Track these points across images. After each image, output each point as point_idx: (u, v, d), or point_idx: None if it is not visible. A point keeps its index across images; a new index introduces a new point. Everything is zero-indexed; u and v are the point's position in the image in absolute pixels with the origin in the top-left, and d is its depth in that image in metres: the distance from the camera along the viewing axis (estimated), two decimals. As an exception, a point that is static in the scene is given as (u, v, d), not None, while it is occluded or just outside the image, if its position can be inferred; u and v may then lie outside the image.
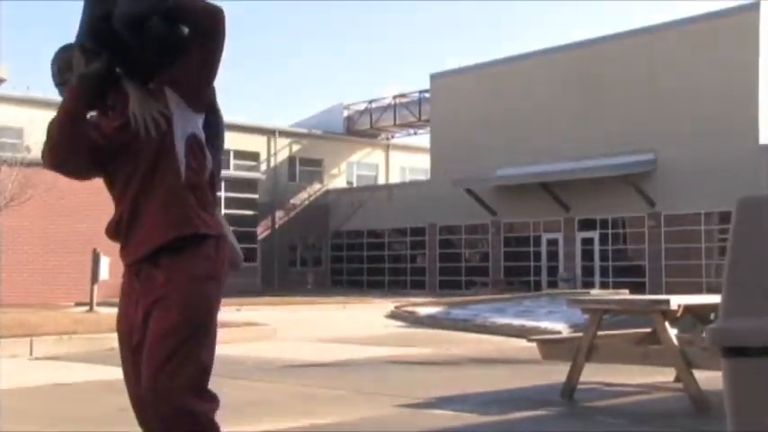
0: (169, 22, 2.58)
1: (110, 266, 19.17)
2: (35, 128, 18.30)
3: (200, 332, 2.57)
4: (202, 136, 2.73)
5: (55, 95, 2.89)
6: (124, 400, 6.34)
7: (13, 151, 16.35)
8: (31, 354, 10.04)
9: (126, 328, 2.71)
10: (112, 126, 2.67)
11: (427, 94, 37.65)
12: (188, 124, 2.66)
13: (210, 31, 2.61)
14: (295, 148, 39.48)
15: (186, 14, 2.58)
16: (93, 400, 6.63)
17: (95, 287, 18.99)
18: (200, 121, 2.74)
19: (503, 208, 32.02)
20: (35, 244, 25.42)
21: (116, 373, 8.21)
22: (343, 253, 38.56)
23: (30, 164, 16.09)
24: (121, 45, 2.56)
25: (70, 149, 2.64)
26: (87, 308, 18.45)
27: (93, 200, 26.56)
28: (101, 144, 2.66)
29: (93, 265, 19.11)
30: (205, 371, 2.61)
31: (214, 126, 2.89)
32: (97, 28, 2.57)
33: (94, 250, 19.27)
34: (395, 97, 40.98)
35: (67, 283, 25.08)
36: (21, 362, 9.52)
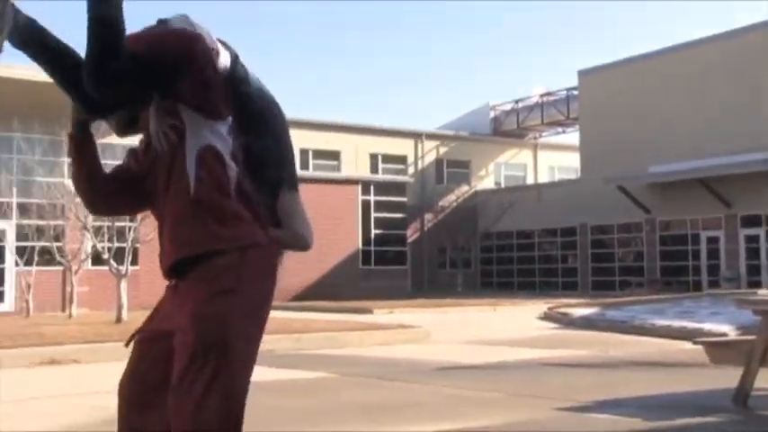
0: (138, 70, 2.42)
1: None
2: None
3: (215, 352, 2.30)
4: (223, 144, 2.53)
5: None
6: (281, 400, 6.53)
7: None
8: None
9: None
10: (142, 149, 2.66)
11: (575, 92, 36.86)
12: (202, 136, 2.50)
13: (183, 56, 2.46)
14: (442, 150, 39.60)
15: (150, 57, 2.42)
16: (251, 400, 6.87)
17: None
18: (223, 127, 2.54)
19: (657, 205, 30.85)
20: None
21: (275, 374, 8.52)
22: (492, 254, 38.30)
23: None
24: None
25: (105, 203, 2.72)
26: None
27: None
28: (135, 172, 2.64)
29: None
30: (228, 398, 2.36)
31: (256, 154, 2.67)
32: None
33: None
34: (542, 96, 40.37)
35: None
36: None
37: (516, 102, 41.60)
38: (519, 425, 5.54)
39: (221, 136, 2.53)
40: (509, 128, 41.82)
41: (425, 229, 37.76)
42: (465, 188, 39.65)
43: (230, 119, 2.58)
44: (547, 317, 17.31)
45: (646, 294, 25.03)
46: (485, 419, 5.66)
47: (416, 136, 38.87)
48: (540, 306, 19.88)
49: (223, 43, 2.69)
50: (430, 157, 39.21)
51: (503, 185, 40.72)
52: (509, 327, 15.22)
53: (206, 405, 2.29)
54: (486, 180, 40.65)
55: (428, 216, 37.83)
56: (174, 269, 2.48)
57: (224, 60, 2.62)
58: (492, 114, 42.37)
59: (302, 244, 2.84)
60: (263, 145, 2.69)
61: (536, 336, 13.56)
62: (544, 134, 43.55)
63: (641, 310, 16.49)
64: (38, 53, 2.52)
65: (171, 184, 2.48)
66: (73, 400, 6.78)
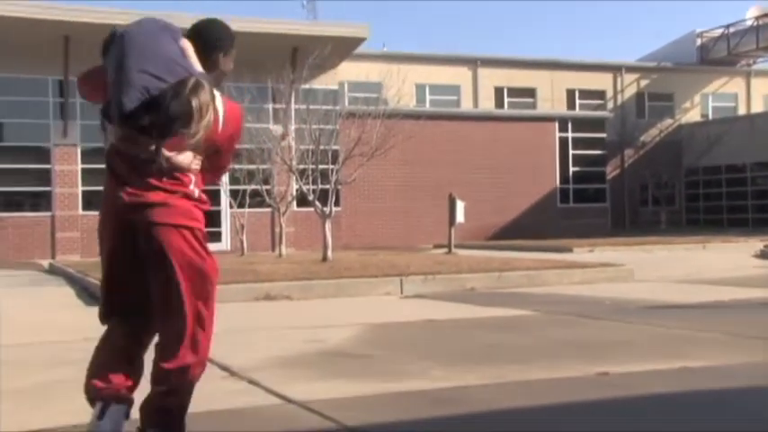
0: None
1: (465, 210, 19.98)
2: (392, 82, 19.49)
3: None
4: None
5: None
6: (492, 336, 6.56)
7: (375, 104, 17.51)
8: (401, 292, 10.83)
9: None
10: None
11: (795, 11, 33.68)
12: None
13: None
14: (643, 83, 37.72)
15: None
16: (464, 335, 6.97)
17: (453, 230, 19.90)
18: None
19: None
20: (396, 190, 27.31)
21: (480, 312, 8.59)
22: (698, 191, 36.31)
23: (390, 115, 17.16)
24: None
25: None
26: (446, 250, 19.45)
27: (448, 147, 27.88)
28: None
29: (449, 208, 20.03)
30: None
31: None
32: None
33: (450, 194, 20.18)
34: (757, 18, 37.24)
35: (426, 226, 26.65)
36: (393, 299, 10.32)
37: (727, 27, 38.67)
38: (742, 367, 5.23)
39: None
40: (718, 56, 39.00)
41: (626, 165, 36.33)
42: (668, 122, 37.66)
43: None
44: (763, 255, 16.24)
45: None
46: (703, 360, 5.39)
47: (615, 69, 37.22)
48: (755, 244, 18.69)
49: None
50: (630, 91, 37.48)
51: (710, 117, 38.30)
52: (722, 265, 14.42)
53: None
54: (691, 113, 38.37)
55: (628, 152, 36.33)
56: None
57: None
58: (698, 42, 39.69)
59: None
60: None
61: (753, 275, 12.77)
62: (759, 60, 40.29)
63: None
64: None
65: None
66: (287, 333, 7.16)
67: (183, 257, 3.09)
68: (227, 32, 3.40)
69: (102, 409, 3.04)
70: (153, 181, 3.08)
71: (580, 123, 31.01)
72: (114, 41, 3.13)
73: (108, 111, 3.12)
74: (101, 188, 3.31)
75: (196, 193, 3.18)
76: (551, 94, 35.51)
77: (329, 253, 14.81)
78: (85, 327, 5.41)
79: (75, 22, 20.50)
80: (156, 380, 3.12)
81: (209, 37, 3.32)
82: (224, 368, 5.36)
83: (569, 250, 19.46)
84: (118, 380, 3.11)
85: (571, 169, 30.48)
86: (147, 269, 3.12)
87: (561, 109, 34.41)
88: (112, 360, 3.14)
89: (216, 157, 3.25)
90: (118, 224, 3.12)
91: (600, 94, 36.92)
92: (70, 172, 22.66)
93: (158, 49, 3.12)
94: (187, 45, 3.22)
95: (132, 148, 3.08)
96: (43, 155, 22.71)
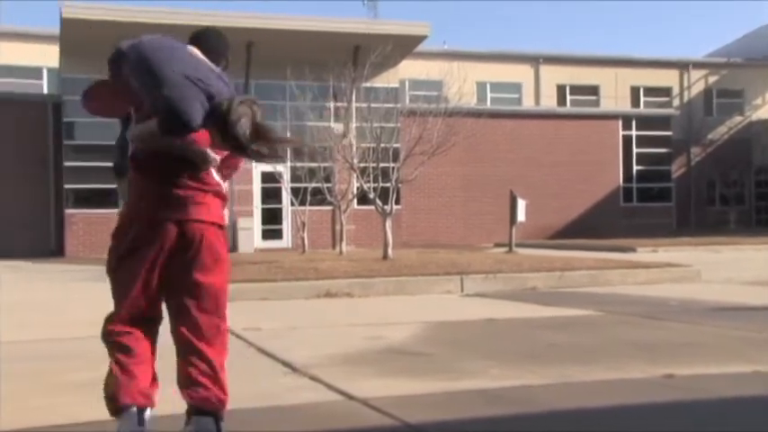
0: None
1: (526, 208, 19.80)
2: (453, 80, 19.42)
3: None
4: None
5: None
6: (554, 336, 6.46)
7: (436, 102, 17.47)
8: (461, 290, 10.79)
9: None
10: None
11: None
12: None
13: None
14: (711, 79, 36.84)
15: None
16: (525, 334, 6.90)
17: (513, 229, 19.74)
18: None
19: None
20: (456, 189, 27.22)
21: (542, 311, 8.50)
22: (769, 190, 35.37)
23: (451, 114, 17.10)
24: None
25: None
26: (507, 248, 19.30)
27: (509, 145, 27.68)
28: None
29: (510, 207, 19.87)
30: None
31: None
32: None
33: (511, 192, 20.02)
34: (830, 12, 36.08)
35: (487, 224, 26.50)
36: (453, 297, 10.29)
37: (798, 21, 37.54)
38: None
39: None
40: (792, 50, 37.88)
41: (692, 163, 35.55)
42: (738, 119, 36.70)
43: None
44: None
45: None
46: (773, 364, 5.24)
47: (682, 65, 36.43)
48: (829, 245, 18.10)
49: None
50: (698, 88, 36.65)
51: (782, 114, 37.21)
52: (792, 267, 14.00)
53: None
54: (762, 110, 37.31)
55: (695, 150, 35.53)
56: None
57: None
58: (770, 36, 38.58)
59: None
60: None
61: (825, 277, 12.36)
62: (833, 55, 38.98)
63: None
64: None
65: None
66: (348, 330, 7.19)
67: (220, 254, 3.26)
68: (227, 43, 3.54)
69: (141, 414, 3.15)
70: (192, 181, 3.20)
71: (645, 121, 30.46)
72: (127, 55, 3.18)
73: (127, 122, 3.33)
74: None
75: (224, 189, 3.33)
76: (615, 91, 34.93)
77: (389, 251, 14.83)
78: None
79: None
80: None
81: (218, 45, 3.46)
82: (286, 364, 5.41)
83: (633, 250, 19.13)
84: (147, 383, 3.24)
85: (635, 168, 29.96)
86: (179, 269, 3.21)
87: (625, 106, 33.83)
88: (144, 365, 3.24)
89: (232, 156, 3.30)
90: (159, 225, 3.19)
91: (666, 92, 36.18)
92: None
93: (186, 55, 3.23)
94: (197, 52, 3.35)
95: (177, 150, 3.16)
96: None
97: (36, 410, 4.17)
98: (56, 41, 22.67)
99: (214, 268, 3.23)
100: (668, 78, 36.18)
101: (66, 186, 22.78)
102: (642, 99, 35.43)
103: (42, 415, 4.05)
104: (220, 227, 3.28)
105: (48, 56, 25.84)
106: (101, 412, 3.32)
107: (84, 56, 19.04)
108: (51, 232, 23.78)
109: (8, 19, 54.17)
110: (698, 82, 36.67)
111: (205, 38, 3.44)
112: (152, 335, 3.33)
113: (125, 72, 3.18)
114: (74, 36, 20.64)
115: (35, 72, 28.00)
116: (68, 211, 22.72)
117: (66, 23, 20.23)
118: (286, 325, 7.57)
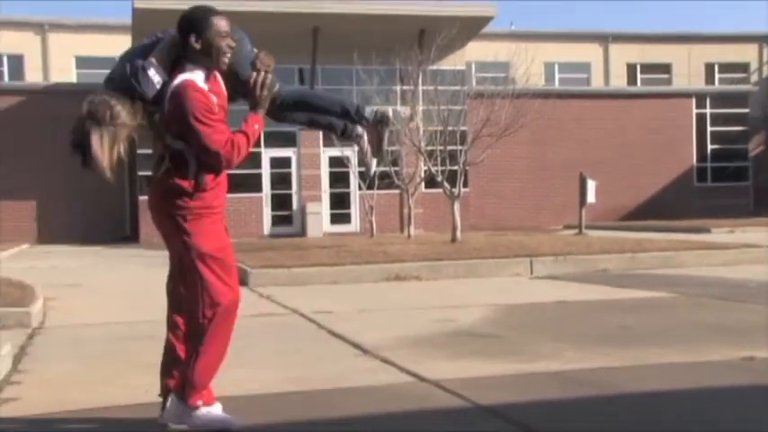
0: None
1: (596, 190, 19.49)
2: (520, 61, 19.17)
3: None
4: None
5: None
6: (627, 318, 6.35)
7: (503, 84, 17.29)
8: (531, 273, 10.70)
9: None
10: None
11: None
12: None
13: None
14: (791, 53, 35.62)
15: None
16: (597, 317, 6.81)
17: (583, 210, 19.46)
18: None
19: None
20: (524, 171, 26.94)
21: (614, 294, 8.37)
22: None
23: (518, 95, 16.91)
24: None
25: None
26: (577, 230, 19.05)
27: (578, 126, 27.25)
28: None
29: (580, 188, 19.58)
30: None
31: None
32: None
33: (581, 174, 19.72)
34: None
35: (556, 206, 26.18)
36: (522, 280, 10.21)
37: None
38: None
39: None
40: None
41: (770, 142, 34.46)
42: (820, 94, 35.43)
43: None
44: None
45: None
46: None
47: (761, 39, 35.22)
48: None
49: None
50: (777, 63, 35.48)
51: None
52: None
53: None
54: None
55: (774, 128, 34.44)
56: None
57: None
58: None
59: None
60: None
61: None
62: None
63: None
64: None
65: None
66: (417, 313, 7.21)
67: None
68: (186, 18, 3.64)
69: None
70: None
71: (720, 99, 29.59)
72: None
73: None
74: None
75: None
76: (688, 68, 34.04)
77: (458, 234, 14.78)
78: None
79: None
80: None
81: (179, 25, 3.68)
82: (356, 346, 5.45)
83: (707, 231, 18.67)
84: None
85: (709, 147, 29.17)
86: None
87: (699, 84, 32.93)
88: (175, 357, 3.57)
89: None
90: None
91: (743, 67, 35.08)
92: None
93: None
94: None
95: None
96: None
97: (131, 389, 4.30)
98: (128, 32, 23.15)
99: None
100: (746, 53, 35.06)
101: (140, 173, 23.31)
102: (717, 76, 34.44)
103: (139, 394, 4.17)
104: None
105: (122, 47, 26.41)
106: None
107: (155, 45, 19.28)
108: (126, 218, 24.39)
109: (83, 11, 55.57)
110: (778, 56, 35.49)
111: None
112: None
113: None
114: (145, 26, 21.03)
115: (111, 63, 28.64)
116: (142, 197, 23.26)
117: (138, 13, 20.62)
118: (356, 308, 7.62)
